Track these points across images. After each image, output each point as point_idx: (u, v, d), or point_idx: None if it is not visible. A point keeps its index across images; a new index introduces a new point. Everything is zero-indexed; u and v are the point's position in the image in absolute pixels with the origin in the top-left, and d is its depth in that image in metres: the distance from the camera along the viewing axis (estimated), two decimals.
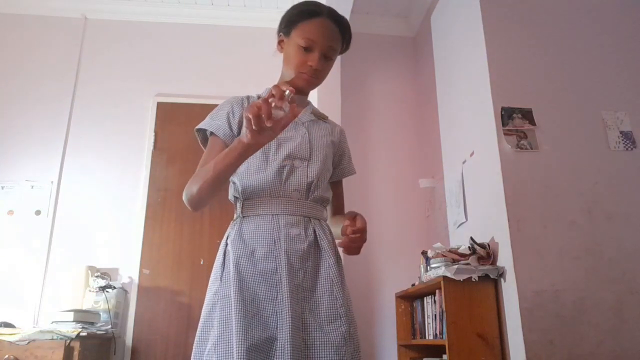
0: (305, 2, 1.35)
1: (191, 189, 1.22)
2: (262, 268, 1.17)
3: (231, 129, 1.30)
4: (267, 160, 1.25)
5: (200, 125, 1.33)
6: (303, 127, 1.33)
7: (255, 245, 1.20)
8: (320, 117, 1.43)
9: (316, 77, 1.30)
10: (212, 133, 1.31)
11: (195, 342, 1.15)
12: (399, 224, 3.54)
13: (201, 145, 1.39)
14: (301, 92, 1.36)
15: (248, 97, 1.38)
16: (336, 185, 1.47)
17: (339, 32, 1.32)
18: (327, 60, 1.31)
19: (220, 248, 1.25)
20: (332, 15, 1.32)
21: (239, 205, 1.28)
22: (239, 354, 1.04)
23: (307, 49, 1.28)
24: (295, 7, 1.34)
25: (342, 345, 1.12)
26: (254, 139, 1.04)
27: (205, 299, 1.20)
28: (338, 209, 1.48)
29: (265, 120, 0.98)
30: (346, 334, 1.14)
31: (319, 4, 1.33)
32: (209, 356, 1.10)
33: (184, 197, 1.24)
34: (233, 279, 1.15)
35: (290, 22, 1.33)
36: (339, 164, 1.45)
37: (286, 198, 1.24)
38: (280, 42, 1.37)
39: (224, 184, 1.22)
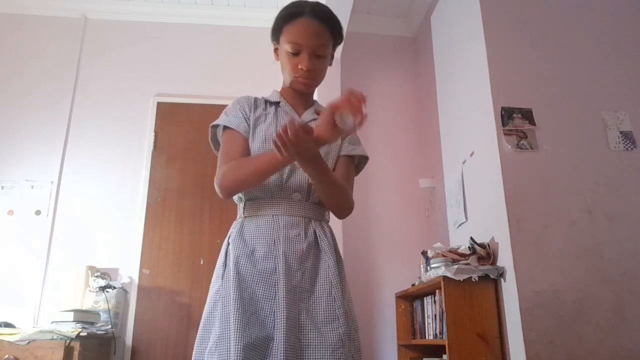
0: (289, 4, 1.32)
1: (237, 174, 1.22)
2: (262, 268, 1.17)
3: (247, 124, 1.31)
4: None
5: (217, 122, 1.34)
6: None
7: (255, 245, 1.20)
8: None
9: (312, 78, 1.30)
10: (227, 128, 1.32)
11: (196, 339, 1.16)
12: (399, 224, 3.53)
13: (210, 142, 1.40)
14: (303, 93, 1.36)
15: (256, 99, 1.39)
16: (336, 165, 1.36)
17: (325, 27, 1.29)
18: (318, 57, 1.29)
19: (222, 247, 1.26)
20: (314, 12, 1.28)
21: (241, 205, 1.29)
22: (236, 352, 1.05)
23: (295, 53, 1.27)
24: (279, 12, 1.33)
25: (339, 347, 1.12)
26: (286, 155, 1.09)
27: (207, 297, 1.20)
28: None
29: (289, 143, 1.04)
30: (344, 336, 1.14)
31: (300, 3, 1.31)
32: (210, 354, 1.10)
33: (222, 183, 1.24)
34: (233, 278, 1.15)
35: (276, 28, 1.33)
36: (339, 146, 1.37)
37: (287, 199, 1.24)
38: (275, 51, 1.37)
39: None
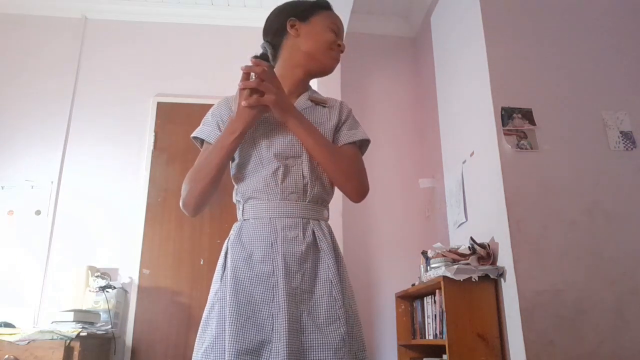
0: None
1: (191, 186, 1.23)
2: (259, 271, 1.17)
3: (221, 131, 1.29)
4: (262, 162, 1.23)
5: (194, 134, 1.34)
6: None
7: (253, 249, 1.20)
8: (319, 102, 1.37)
9: (339, 60, 1.38)
10: (204, 140, 1.31)
11: (196, 339, 1.17)
12: (399, 224, 3.53)
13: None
14: (323, 73, 1.38)
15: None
16: None
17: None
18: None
19: (222, 249, 1.26)
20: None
21: (240, 208, 1.29)
22: (230, 356, 1.05)
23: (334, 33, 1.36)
24: (308, 1, 1.41)
25: (341, 347, 1.12)
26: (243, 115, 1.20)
27: (208, 298, 1.21)
28: None
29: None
30: (345, 336, 1.13)
31: (326, 3, 1.43)
32: (206, 355, 1.11)
33: (182, 202, 1.25)
34: (230, 281, 1.15)
35: (309, 8, 1.38)
36: (338, 133, 1.33)
37: (284, 200, 1.23)
38: (293, 26, 1.35)
39: (223, 172, 1.23)
